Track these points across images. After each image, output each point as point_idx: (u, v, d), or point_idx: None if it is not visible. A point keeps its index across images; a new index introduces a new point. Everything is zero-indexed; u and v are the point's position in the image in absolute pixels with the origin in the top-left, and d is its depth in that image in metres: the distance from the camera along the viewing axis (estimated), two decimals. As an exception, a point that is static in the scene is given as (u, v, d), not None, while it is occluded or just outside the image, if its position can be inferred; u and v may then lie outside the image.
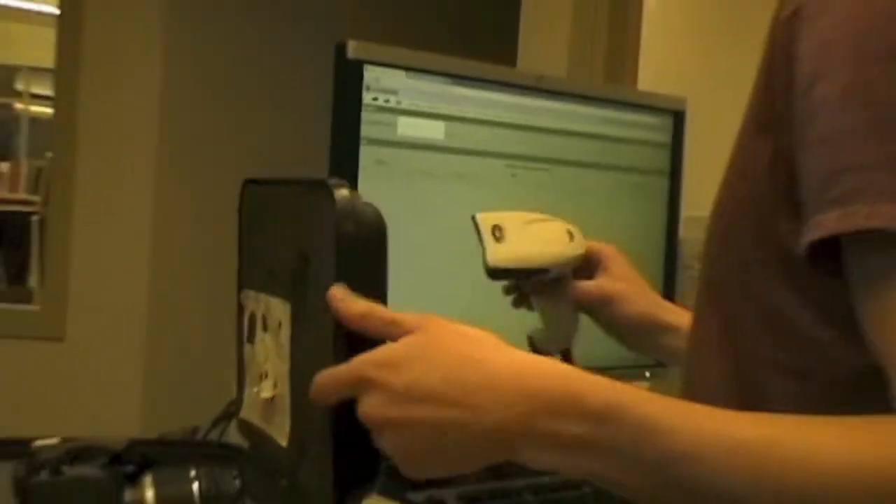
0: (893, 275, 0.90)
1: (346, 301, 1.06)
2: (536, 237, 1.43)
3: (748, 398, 1.09)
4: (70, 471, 1.14)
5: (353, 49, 1.67)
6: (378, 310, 1.06)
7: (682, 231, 2.10)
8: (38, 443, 1.18)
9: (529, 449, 0.95)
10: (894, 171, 0.89)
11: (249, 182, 1.30)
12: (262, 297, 1.27)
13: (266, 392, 1.23)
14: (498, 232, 1.41)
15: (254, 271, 1.30)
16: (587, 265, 1.52)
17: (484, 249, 1.39)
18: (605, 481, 0.95)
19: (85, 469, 1.14)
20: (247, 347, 1.33)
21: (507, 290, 1.55)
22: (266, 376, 1.25)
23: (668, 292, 2.06)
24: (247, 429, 1.31)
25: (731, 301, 1.12)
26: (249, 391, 1.32)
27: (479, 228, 1.42)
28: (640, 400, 0.93)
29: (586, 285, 1.49)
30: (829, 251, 0.94)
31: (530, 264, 1.42)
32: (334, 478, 1.06)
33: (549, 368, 0.98)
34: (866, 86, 0.92)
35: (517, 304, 1.55)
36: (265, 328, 1.27)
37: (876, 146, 0.90)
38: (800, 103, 0.97)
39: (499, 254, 1.39)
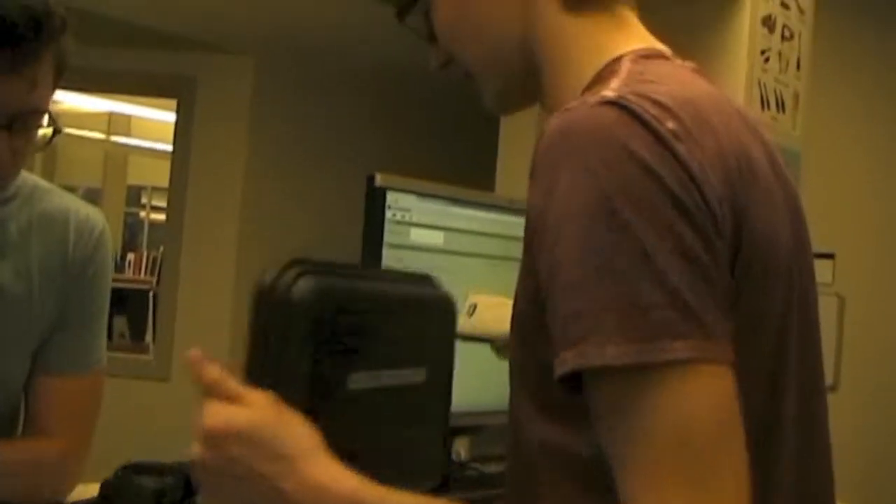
0: (616, 405, 0.82)
1: (201, 365, 0.98)
2: (495, 317, 1.43)
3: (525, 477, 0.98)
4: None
5: (380, 179, 1.67)
6: (227, 383, 0.95)
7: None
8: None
9: None
10: (613, 312, 0.80)
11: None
12: None
13: None
14: (472, 309, 1.43)
15: None
16: None
17: (460, 319, 1.42)
18: None
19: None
20: None
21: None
22: None
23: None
24: None
25: (516, 387, 1.00)
26: None
27: (463, 302, 1.44)
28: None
29: None
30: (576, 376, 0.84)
31: (482, 334, 1.42)
32: None
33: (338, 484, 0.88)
34: (591, 247, 0.82)
35: (498, 356, 1.52)
36: None
37: (600, 293, 0.81)
38: (545, 258, 0.86)
39: (464, 325, 1.42)
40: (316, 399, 0.90)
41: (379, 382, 0.98)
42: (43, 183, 1.55)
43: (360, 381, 0.95)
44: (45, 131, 1.41)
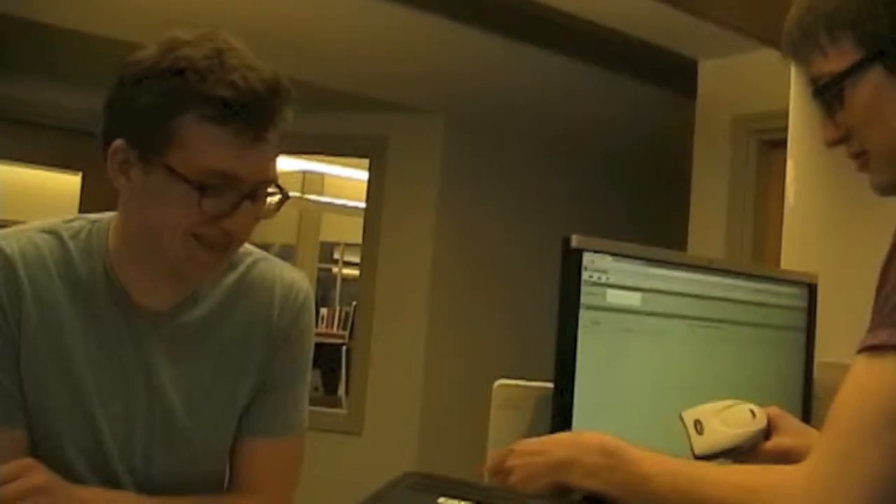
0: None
1: None
2: (728, 423, 1.40)
3: None
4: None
5: (576, 241, 1.66)
6: None
7: (816, 373, 2.00)
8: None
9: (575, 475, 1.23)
10: None
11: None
12: None
13: None
14: (699, 426, 1.38)
15: None
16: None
17: (690, 442, 1.38)
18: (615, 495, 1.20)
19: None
20: None
21: None
22: None
23: (805, 421, 1.96)
24: None
25: None
26: None
27: (684, 424, 1.40)
28: (633, 449, 1.22)
29: (766, 447, 1.43)
30: None
31: (726, 447, 1.38)
32: None
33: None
34: None
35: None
36: None
37: None
38: None
39: (701, 445, 1.38)
40: None
41: None
42: (251, 248, 1.60)
43: None
44: (272, 199, 1.47)
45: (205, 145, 1.36)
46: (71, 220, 1.53)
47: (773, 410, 1.49)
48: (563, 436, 1.27)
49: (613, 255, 1.69)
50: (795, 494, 1.03)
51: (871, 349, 1.03)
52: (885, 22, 1.14)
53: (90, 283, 1.47)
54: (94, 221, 1.52)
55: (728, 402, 1.43)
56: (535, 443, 1.32)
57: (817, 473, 1.03)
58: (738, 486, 1.09)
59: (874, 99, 1.17)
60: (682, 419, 1.40)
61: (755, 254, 3.91)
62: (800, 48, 1.23)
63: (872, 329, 1.04)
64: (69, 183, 5.32)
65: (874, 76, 1.17)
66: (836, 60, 1.18)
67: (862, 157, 1.23)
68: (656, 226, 4.55)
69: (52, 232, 1.49)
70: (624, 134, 5.37)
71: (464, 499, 1.09)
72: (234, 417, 1.57)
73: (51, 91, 5.05)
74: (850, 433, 1.02)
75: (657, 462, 1.18)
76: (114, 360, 1.48)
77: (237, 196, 1.40)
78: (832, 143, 1.24)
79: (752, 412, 1.42)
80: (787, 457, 1.40)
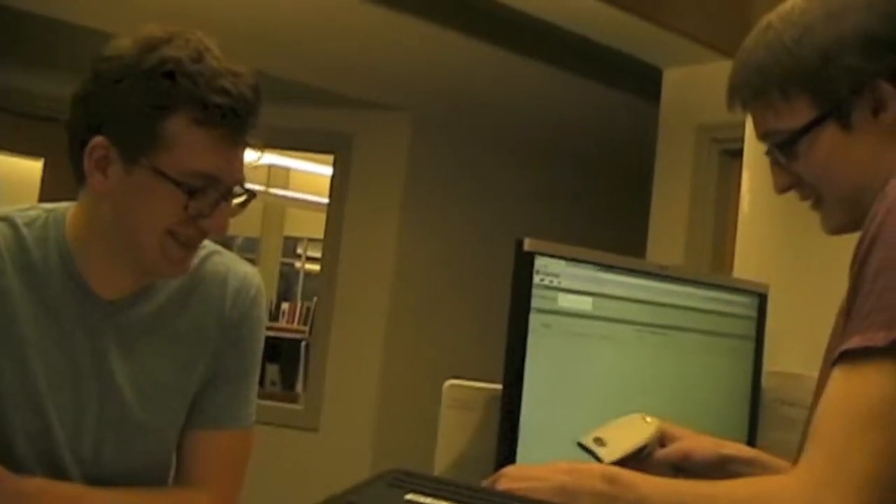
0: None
1: None
2: (625, 431, 1.44)
3: None
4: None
5: (528, 244, 1.68)
6: None
7: (764, 382, 2.03)
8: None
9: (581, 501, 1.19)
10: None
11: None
12: None
13: None
14: (599, 441, 1.42)
15: None
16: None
17: (597, 455, 1.40)
18: None
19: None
20: None
21: None
22: None
23: (752, 429, 2.00)
24: None
25: None
26: None
27: (585, 446, 1.43)
28: (631, 474, 1.20)
29: (665, 452, 1.46)
30: None
31: (631, 449, 1.41)
32: None
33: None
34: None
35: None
36: None
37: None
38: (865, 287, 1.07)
39: (608, 455, 1.41)
40: None
41: None
42: (204, 241, 1.60)
43: None
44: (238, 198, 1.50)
45: (194, 148, 1.39)
46: (26, 209, 1.53)
47: (664, 423, 1.52)
48: (560, 464, 1.25)
49: (566, 259, 1.71)
50: (794, 502, 1.04)
51: (848, 356, 1.05)
52: (843, 85, 1.19)
53: (45, 272, 1.48)
54: (49, 210, 1.53)
55: (617, 420, 1.48)
56: (530, 468, 1.30)
57: (809, 479, 1.04)
58: (733, 499, 1.12)
59: (829, 154, 1.22)
60: (581, 445, 1.43)
61: (715, 261, 3.95)
62: (749, 104, 1.28)
63: (847, 336, 1.06)
64: (31, 169, 5.28)
65: (829, 132, 1.22)
66: (790, 117, 1.23)
67: (814, 201, 1.28)
68: (621, 229, 4.58)
69: (6, 220, 1.50)
70: (590, 137, 5.40)
71: (432, 496, 1.10)
72: (185, 409, 1.58)
73: (13, 75, 5.01)
74: (836, 437, 1.04)
75: (653, 483, 1.20)
76: (66, 349, 1.49)
77: (216, 196, 1.42)
78: (784, 190, 1.29)
79: (644, 419, 1.47)
80: (688, 458, 1.44)
